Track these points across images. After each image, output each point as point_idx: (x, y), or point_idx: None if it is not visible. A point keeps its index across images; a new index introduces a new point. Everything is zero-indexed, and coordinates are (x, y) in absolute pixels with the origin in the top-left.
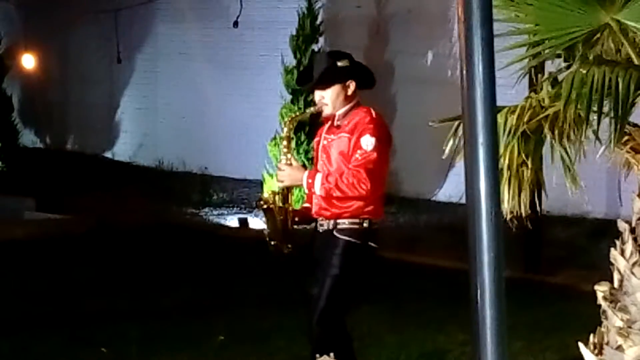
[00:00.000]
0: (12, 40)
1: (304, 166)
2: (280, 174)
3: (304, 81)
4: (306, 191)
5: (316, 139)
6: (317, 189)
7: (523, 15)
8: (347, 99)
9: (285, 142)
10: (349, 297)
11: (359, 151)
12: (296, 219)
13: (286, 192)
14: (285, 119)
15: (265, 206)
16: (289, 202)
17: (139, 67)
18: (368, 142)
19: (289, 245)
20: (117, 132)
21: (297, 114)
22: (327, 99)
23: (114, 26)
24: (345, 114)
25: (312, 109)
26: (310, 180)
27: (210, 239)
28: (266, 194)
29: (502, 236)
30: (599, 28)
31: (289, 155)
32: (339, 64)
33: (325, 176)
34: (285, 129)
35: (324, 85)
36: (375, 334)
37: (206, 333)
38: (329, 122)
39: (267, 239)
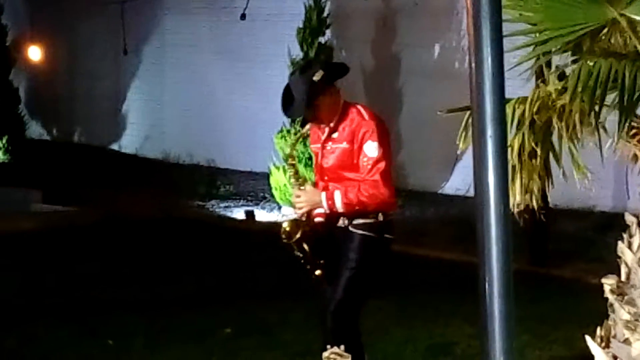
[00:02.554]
0: (18, 32)
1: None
2: (298, 201)
3: (290, 105)
4: (327, 212)
5: (315, 145)
6: (339, 207)
7: (530, 14)
8: (337, 103)
9: (293, 171)
10: (366, 290)
11: (365, 159)
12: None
13: (306, 217)
14: (288, 146)
15: (293, 240)
16: (311, 220)
17: (145, 59)
18: (372, 148)
19: (321, 261)
20: (124, 124)
21: (296, 137)
22: (323, 114)
23: (121, 18)
24: (339, 120)
25: (307, 127)
26: (330, 202)
27: (217, 232)
28: (287, 225)
29: (510, 229)
30: (607, 23)
31: (300, 181)
32: (315, 78)
33: (345, 193)
34: (289, 153)
35: (313, 104)
36: (382, 327)
37: (213, 326)
38: (320, 130)
39: (302, 262)
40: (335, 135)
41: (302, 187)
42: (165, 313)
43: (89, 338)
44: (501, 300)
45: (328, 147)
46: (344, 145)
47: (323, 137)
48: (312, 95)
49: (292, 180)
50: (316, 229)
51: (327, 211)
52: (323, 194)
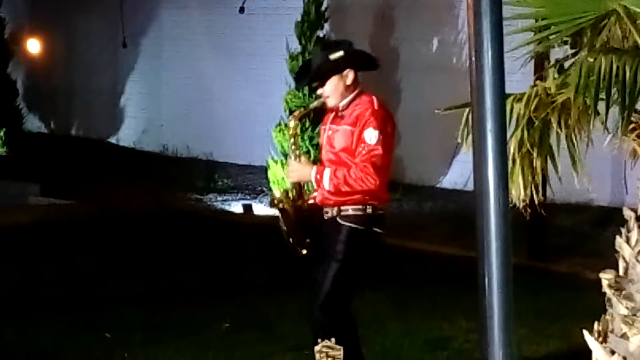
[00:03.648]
0: (17, 25)
1: (314, 162)
2: (289, 170)
3: (303, 77)
4: (314, 186)
5: (322, 127)
6: (326, 184)
7: (530, 0)
8: (348, 88)
9: (292, 140)
10: (352, 283)
11: (362, 145)
12: (311, 209)
13: (298, 188)
14: (292, 117)
15: (280, 206)
16: (303, 197)
17: (143, 53)
18: (372, 135)
19: (308, 240)
20: (122, 117)
21: (302, 110)
22: (327, 92)
23: (119, 11)
24: (348, 104)
25: (315, 103)
26: (318, 177)
27: (214, 225)
28: (278, 192)
29: (510, 223)
30: (606, 14)
31: (297, 152)
32: (332, 57)
33: (334, 171)
34: (292, 126)
35: (320, 80)
36: (379, 322)
37: (211, 320)
38: (334, 112)
39: (286, 237)
40: (342, 118)
41: (297, 159)
42: (163, 307)
43: (86, 332)
44: (500, 294)
45: (334, 129)
46: (347, 127)
47: (331, 117)
48: (321, 71)
49: (290, 151)
50: (312, 210)
51: (315, 187)
52: (313, 169)
